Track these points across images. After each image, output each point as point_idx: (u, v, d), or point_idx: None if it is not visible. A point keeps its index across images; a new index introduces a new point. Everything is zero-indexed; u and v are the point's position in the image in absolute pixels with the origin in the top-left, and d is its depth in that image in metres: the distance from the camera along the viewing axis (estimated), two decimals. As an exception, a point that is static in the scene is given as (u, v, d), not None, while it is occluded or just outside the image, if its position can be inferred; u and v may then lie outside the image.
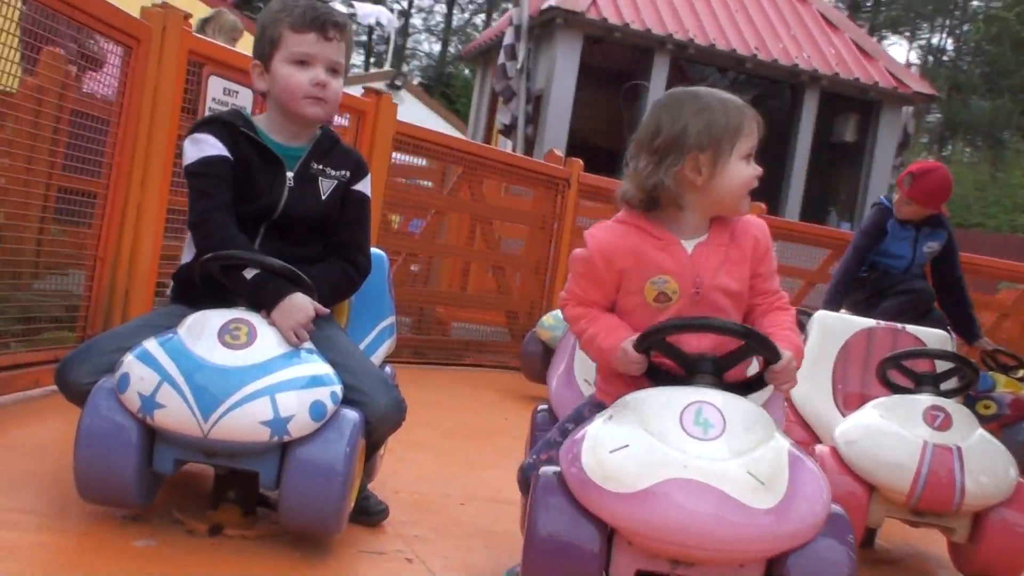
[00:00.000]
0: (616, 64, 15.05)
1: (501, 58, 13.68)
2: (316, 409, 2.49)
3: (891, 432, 3.15)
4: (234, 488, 2.69)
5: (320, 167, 2.80)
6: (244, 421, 2.42)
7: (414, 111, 16.90)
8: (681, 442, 2.04)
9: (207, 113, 4.71)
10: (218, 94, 4.77)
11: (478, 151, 7.41)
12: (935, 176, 5.20)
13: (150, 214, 4.36)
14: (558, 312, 6.22)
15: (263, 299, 2.60)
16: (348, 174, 2.84)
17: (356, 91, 6.45)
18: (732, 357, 2.22)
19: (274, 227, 2.75)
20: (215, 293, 2.65)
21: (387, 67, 24.31)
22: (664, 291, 2.28)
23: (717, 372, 2.21)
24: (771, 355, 2.20)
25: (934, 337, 3.78)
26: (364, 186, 2.87)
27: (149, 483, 2.55)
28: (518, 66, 13.46)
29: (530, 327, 7.39)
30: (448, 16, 45.84)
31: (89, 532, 2.53)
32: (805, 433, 3.63)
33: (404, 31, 41.87)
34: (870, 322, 3.82)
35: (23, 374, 3.75)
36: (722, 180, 2.27)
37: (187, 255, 2.79)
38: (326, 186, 2.80)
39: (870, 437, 3.17)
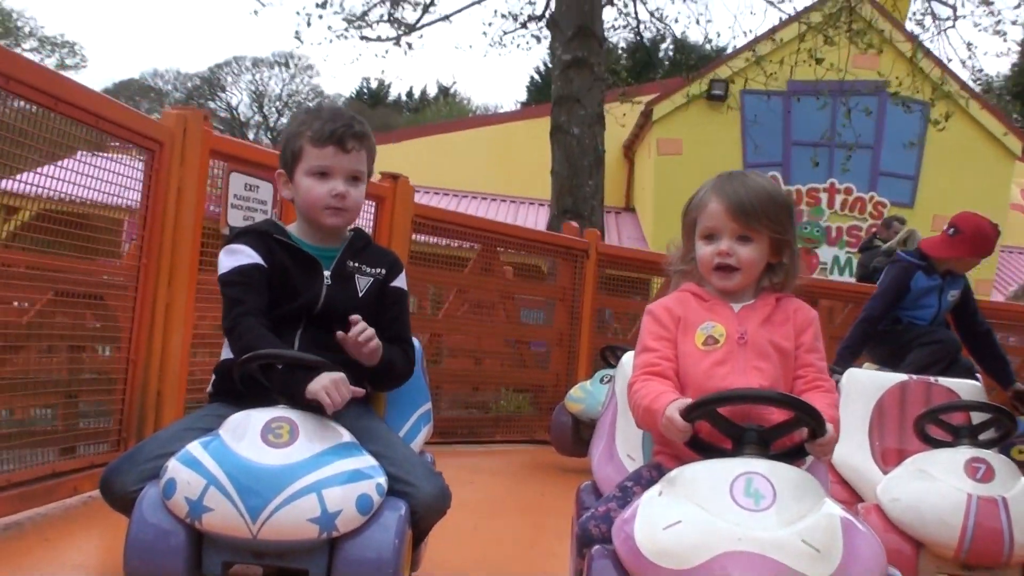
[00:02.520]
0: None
1: None
2: (363, 502, 2.50)
3: (934, 487, 3.14)
4: (283, 581, 2.69)
5: (356, 265, 2.87)
6: (292, 519, 2.42)
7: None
8: (734, 515, 2.04)
9: (230, 209, 4.80)
10: (240, 190, 4.85)
11: (495, 228, 7.48)
12: (985, 226, 5.25)
13: (178, 315, 4.41)
14: (586, 384, 6.24)
15: (296, 384, 2.60)
16: (384, 272, 2.91)
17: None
18: (780, 428, 2.23)
19: (313, 325, 2.79)
20: (254, 391, 2.68)
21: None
22: (712, 335, 2.40)
23: (763, 442, 2.22)
24: (818, 427, 2.21)
25: (967, 388, 3.77)
26: (400, 282, 2.95)
27: (199, 587, 2.55)
28: None
29: (557, 400, 7.42)
30: None
31: (143, 640, 2.51)
32: (846, 492, 3.62)
33: None
34: (902, 377, 3.83)
35: (62, 483, 3.77)
36: (697, 258, 2.47)
37: (226, 351, 2.83)
38: (363, 283, 2.87)
39: (913, 493, 3.16)
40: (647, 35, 18.99)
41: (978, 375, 5.74)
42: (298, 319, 2.80)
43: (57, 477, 3.75)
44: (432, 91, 48.49)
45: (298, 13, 13.39)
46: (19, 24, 38.66)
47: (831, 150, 17.67)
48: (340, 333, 2.67)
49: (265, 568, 2.63)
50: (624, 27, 15.08)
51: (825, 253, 19.38)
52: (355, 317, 2.69)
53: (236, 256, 2.77)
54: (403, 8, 14.32)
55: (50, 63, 36.58)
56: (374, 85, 45.87)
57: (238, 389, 2.69)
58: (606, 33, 12.66)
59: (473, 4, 14.22)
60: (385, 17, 14.32)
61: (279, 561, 2.53)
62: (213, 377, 2.90)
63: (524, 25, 14.52)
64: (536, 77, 40.35)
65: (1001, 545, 3.01)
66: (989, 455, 3.20)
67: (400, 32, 14.30)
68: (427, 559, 3.19)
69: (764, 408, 2.29)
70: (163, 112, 4.43)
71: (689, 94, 17.68)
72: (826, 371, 2.46)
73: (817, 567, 1.98)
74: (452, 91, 48.28)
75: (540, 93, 35.63)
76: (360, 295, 2.86)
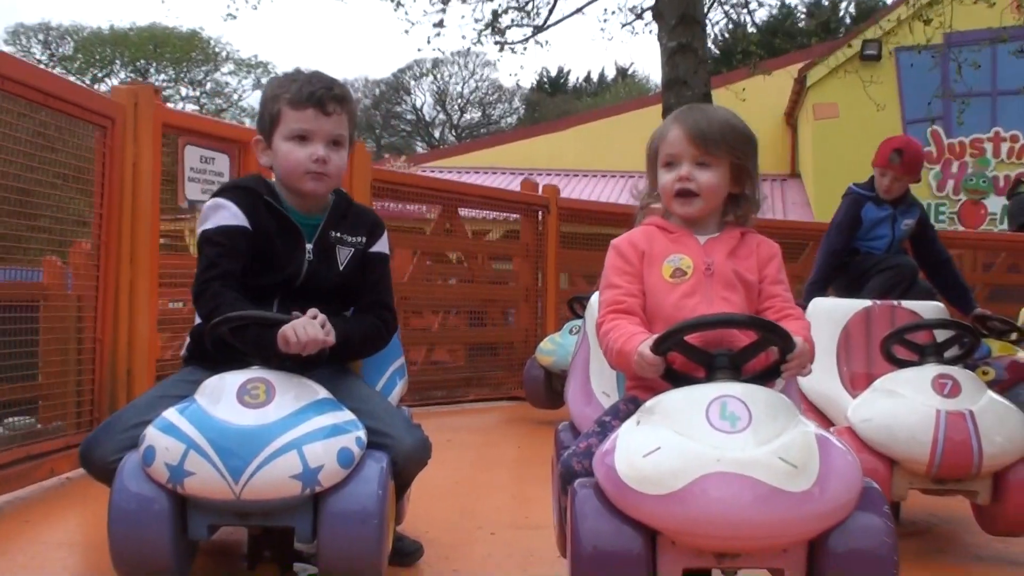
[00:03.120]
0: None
1: None
2: (344, 456, 2.51)
3: (904, 405, 3.19)
4: (269, 547, 2.70)
5: (338, 235, 2.82)
6: (275, 477, 2.42)
7: None
8: (711, 438, 2.07)
9: (187, 183, 4.76)
10: (195, 162, 4.82)
11: (455, 188, 7.47)
12: (915, 146, 5.32)
13: (143, 289, 4.39)
14: (555, 336, 6.28)
15: (269, 343, 2.56)
16: (364, 239, 2.87)
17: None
18: (748, 350, 2.27)
19: (291, 296, 2.75)
20: (228, 355, 2.67)
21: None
22: (680, 267, 2.43)
23: (735, 366, 2.25)
24: (786, 344, 2.25)
25: (930, 309, 3.83)
26: (381, 246, 2.91)
27: (185, 551, 2.55)
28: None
29: (527, 356, 7.45)
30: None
31: (133, 609, 2.52)
32: (817, 418, 3.67)
33: None
34: (866, 302, 3.87)
35: (38, 465, 3.75)
36: (660, 189, 2.49)
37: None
38: (344, 255, 2.83)
39: (884, 413, 3.21)
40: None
41: (936, 296, 5.85)
42: (275, 291, 2.76)
43: (33, 460, 3.73)
44: (610, 73, 48.43)
45: (434, 25, 13.62)
46: (216, 49, 40.93)
47: (993, 98, 17.55)
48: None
49: (251, 529, 2.65)
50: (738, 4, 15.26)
51: (993, 203, 19.05)
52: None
53: (221, 213, 2.69)
54: (532, 13, 14.56)
55: (247, 83, 40.16)
56: (553, 73, 46.54)
57: (212, 353, 2.68)
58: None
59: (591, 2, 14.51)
60: (515, 22, 14.66)
61: (264, 520, 2.54)
62: (187, 340, 2.88)
63: (639, 16, 14.70)
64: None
65: (971, 457, 3.07)
66: (955, 371, 3.25)
67: (527, 36, 14.64)
68: (411, 513, 3.22)
69: (733, 334, 2.32)
70: (112, 88, 4.38)
71: (842, 56, 17.61)
72: (791, 301, 2.49)
73: (796, 482, 2.02)
74: (630, 72, 47.89)
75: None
76: (341, 267, 2.82)
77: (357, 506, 2.50)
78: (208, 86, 41.42)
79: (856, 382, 3.67)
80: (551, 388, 6.26)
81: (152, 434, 2.51)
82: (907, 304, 3.86)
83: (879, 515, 2.13)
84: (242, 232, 2.69)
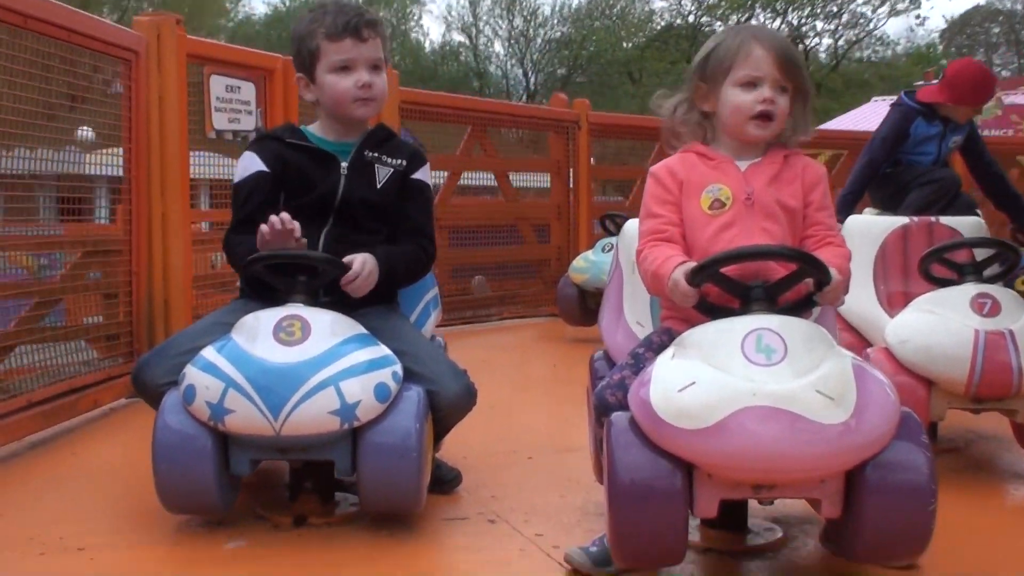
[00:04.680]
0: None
1: None
2: (380, 391, 2.54)
3: (942, 325, 3.15)
4: (310, 478, 2.75)
5: (375, 155, 2.87)
6: (313, 414, 2.46)
7: None
8: (747, 371, 2.06)
9: (214, 112, 4.74)
10: (221, 92, 4.80)
11: (484, 107, 7.40)
12: (967, 72, 5.15)
13: (175, 221, 4.40)
14: (588, 254, 6.26)
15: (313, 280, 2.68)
16: (404, 163, 2.89)
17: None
18: (784, 282, 2.24)
19: (338, 216, 2.82)
20: (271, 290, 2.71)
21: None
22: (719, 198, 2.38)
23: (770, 298, 2.23)
24: (823, 276, 2.22)
25: (969, 225, 3.77)
26: (423, 174, 2.94)
27: (228, 486, 2.61)
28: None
29: (561, 272, 7.45)
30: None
31: (180, 542, 2.59)
32: (854, 338, 3.65)
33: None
34: (903, 220, 3.81)
35: (82, 397, 3.82)
36: (720, 108, 2.42)
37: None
38: (382, 174, 2.86)
39: (922, 333, 3.18)
40: None
41: (979, 211, 5.76)
42: (324, 216, 2.82)
43: (77, 392, 3.80)
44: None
45: None
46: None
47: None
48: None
49: (292, 462, 2.69)
50: None
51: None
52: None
53: (244, 165, 2.84)
54: None
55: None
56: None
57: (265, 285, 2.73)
58: None
59: None
60: None
61: (304, 455, 2.59)
62: (240, 276, 2.96)
63: None
64: None
65: (1010, 376, 3.05)
66: (994, 289, 3.21)
67: None
68: (449, 439, 3.24)
69: (769, 265, 2.29)
70: (134, 20, 4.33)
71: None
72: (836, 227, 2.45)
73: (833, 414, 2.01)
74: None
75: None
76: (379, 185, 2.86)
77: (395, 440, 2.53)
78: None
79: (893, 301, 3.63)
80: (585, 305, 6.27)
81: (192, 373, 2.55)
82: (945, 220, 3.80)
83: (917, 444, 2.12)
84: (257, 175, 2.81)
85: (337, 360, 2.53)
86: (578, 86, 37.86)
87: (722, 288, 2.25)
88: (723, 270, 2.23)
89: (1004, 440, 3.56)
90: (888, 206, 5.62)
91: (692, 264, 2.24)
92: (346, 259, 2.68)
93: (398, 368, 2.61)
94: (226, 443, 2.55)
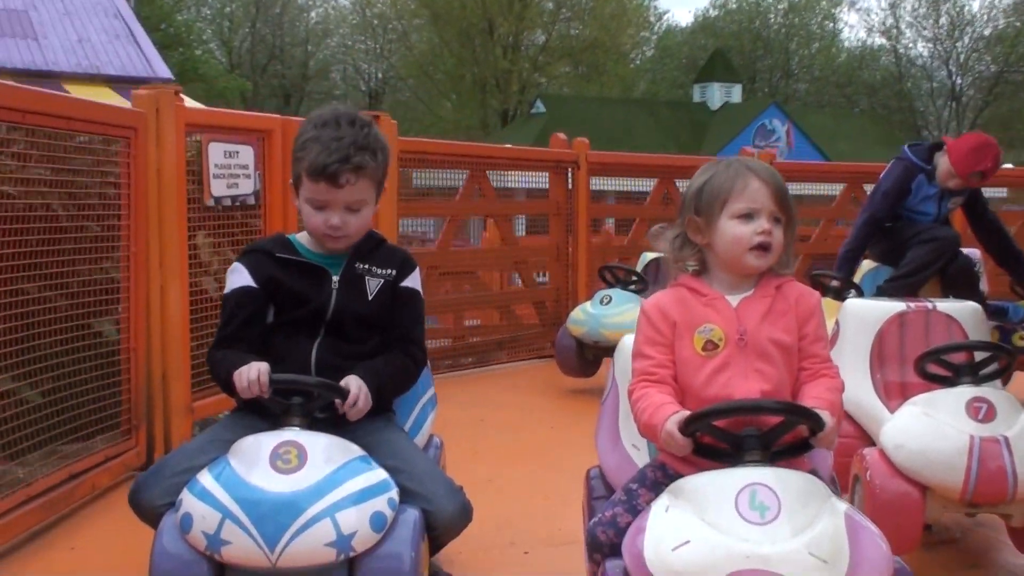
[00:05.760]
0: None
1: None
2: (376, 520, 2.54)
3: (937, 431, 3.16)
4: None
5: (365, 266, 2.86)
6: (309, 546, 2.47)
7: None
8: (740, 530, 2.07)
9: (212, 180, 4.74)
10: (219, 159, 4.80)
11: (482, 152, 7.40)
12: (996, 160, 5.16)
13: (174, 294, 4.41)
14: (586, 306, 6.28)
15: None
16: (394, 272, 2.89)
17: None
18: (776, 431, 2.25)
19: (329, 329, 2.82)
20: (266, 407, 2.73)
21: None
22: (711, 339, 2.37)
23: (764, 447, 2.24)
24: (815, 425, 2.23)
25: (967, 312, 3.77)
26: (412, 281, 2.93)
27: (226, 608, 2.62)
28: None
29: (558, 313, 7.47)
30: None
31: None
32: (852, 428, 3.66)
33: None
34: (899, 306, 3.81)
35: (81, 483, 3.83)
36: (717, 240, 2.42)
37: None
38: (373, 285, 2.86)
39: (917, 438, 3.19)
40: None
41: (979, 268, 5.76)
42: (315, 329, 2.82)
43: (75, 478, 3.81)
44: None
45: None
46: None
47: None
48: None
49: (290, 583, 2.70)
50: None
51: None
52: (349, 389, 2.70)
53: (232, 278, 2.83)
54: None
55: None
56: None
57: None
58: None
59: None
60: None
61: (300, 581, 2.59)
62: None
63: None
64: None
65: (1005, 483, 3.06)
66: (990, 392, 3.21)
67: None
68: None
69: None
70: (133, 95, 4.34)
71: None
72: (830, 359, 2.45)
73: (825, 578, 2.02)
74: None
75: None
76: (371, 297, 2.86)
77: (391, 566, 2.54)
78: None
79: (891, 392, 3.65)
80: (583, 357, 6.28)
81: (189, 501, 2.56)
82: (942, 307, 3.80)
83: (911, 602, 2.14)
84: (245, 291, 2.81)
85: (333, 490, 2.53)
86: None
87: (715, 438, 2.27)
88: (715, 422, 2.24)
89: (1000, 530, 3.56)
90: (887, 260, 5.65)
91: (685, 414, 2.25)
92: (342, 383, 2.69)
93: (394, 494, 2.61)
94: (223, 570, 2.56)
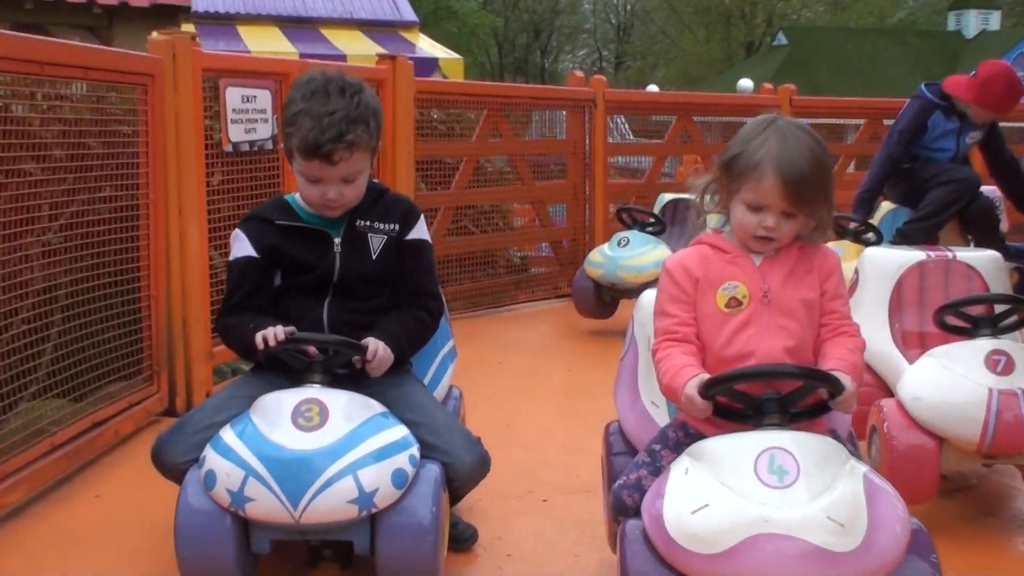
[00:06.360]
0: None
1: None
2: (398, 477, 2.59)
3: (955, 383, 3.16)
4: (330, 546, 2.81)
5: (367, 223, 2.85)
6: (332, 503, 2.51)
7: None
8: (759, 494, 2.09)
9: (230, 125, 4.71)
10: (237, 103, 4.76)
11: (499, 91, 7.33)
12: (1001, 76, 5.09)
13: (193, 240, 4.42)
14: (604, 248, 6.27)
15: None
16: (397, 227, 2.88)
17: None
18: (796, 394, 2.26)
19: (337, 290, 2.83)
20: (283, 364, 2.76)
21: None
22: (735, 296, 2.37)
23: (783, 410, 2.25)
24: (835, 389, 2.24)
25: (987, 262, 3.74)
26: (418, 232, 2.92)
27: (249, 562, 2.67)
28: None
29: (575, 252, 7.45)
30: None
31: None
32: (872, 378, 3.66)
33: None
34: (919, 255, 3.79)
35: (103, 431, 3.88)
36: (732, 210, 2.41)
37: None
38: (376, 242, 2.86)
39: (934, 391, 3.19)
40: None
41: (1000, 212, 5.72)
42: (322, 291, 2.83)
43: (98, 427, 3.86)
44: None
45: None
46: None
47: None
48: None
49: (311, 542, 2.75)
50: None
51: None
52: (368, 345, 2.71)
53: (236, 246, 2.85)
54: None
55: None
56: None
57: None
58: None
59: None
60: None
61: (323, 536, 2.65)
62: None
63: None
64: None
65: (1021, 436, 3.07)
66: (1009, 345, 3.21)
67: None
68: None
69: None
70: (149, 41, 4.30)
71: None
72: (850, 316, 2.44)
73: (843, 541, 2.03)
74: None
75: None
76: (375, 256, 2.86)
77: (412, 523, 2.60)
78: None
79: (908, 341, 3.64)
80: (600, 299, 6.28)
81: (212, 457, 2.60)
82: (962, 256, 3.78)
83: (927, 561, 2.16)
84: (246, 262, 2.82)
85: (355, 447, 2.57)
86: None
87: (734, 401, 2.28)
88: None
89: (1016, 477, 3.58)
90: (906, 202, 5.61)
91: (705, 377, 2.25)
92: (363, 341, 2.71)
93: (415, 450, 2.65)
94: (246, 524, 2.61)
